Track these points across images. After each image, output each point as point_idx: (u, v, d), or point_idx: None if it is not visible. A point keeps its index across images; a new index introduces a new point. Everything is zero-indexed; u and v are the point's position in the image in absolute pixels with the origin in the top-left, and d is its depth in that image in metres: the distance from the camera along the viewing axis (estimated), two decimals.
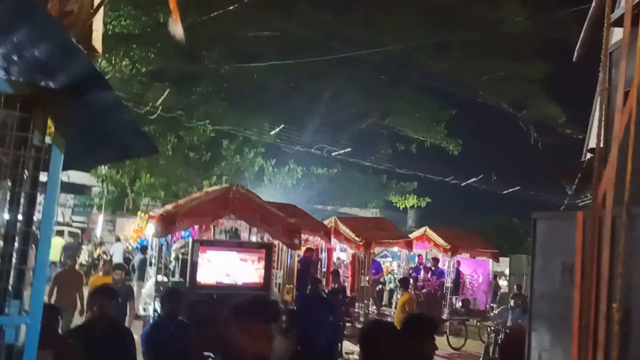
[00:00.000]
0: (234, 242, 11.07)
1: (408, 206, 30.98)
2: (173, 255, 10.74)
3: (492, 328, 12.30)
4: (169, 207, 10.72)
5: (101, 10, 3.28)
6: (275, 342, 6.24)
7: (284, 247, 11.95)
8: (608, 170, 2.97)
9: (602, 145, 3.12)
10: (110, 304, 5.19)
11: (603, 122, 3.07)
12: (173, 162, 23.86)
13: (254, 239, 11.42)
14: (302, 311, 8.67)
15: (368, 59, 24.39)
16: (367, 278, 15.47)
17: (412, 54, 25.29)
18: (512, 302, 12.09)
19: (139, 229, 23.43)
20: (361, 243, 14.99)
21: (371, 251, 15.62)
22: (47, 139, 2.61)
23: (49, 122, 2.60)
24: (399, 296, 15.73)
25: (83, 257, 22.76)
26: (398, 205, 30.73)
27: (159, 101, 20.31)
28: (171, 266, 10.72)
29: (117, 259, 21.69)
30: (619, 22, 3.01)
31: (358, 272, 15.67)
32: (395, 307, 13.84)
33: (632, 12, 2.90)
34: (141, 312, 10.96)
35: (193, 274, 9.55)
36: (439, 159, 30.91)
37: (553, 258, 3.59)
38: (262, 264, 10.08)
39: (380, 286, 18.62)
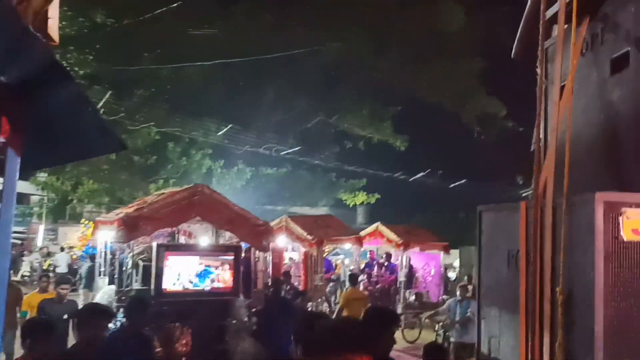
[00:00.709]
0: (201, 246, 10.53)
1: (357, 203, 31.20)
2: (131, 262, 10.04)
3: (442, 323, 12.11)
4: (129, 210, 10.04)
5: None
6: (246, 344, 6.14)
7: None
8: (548, 161, 3.03)
9: (541, 137, 3.17)
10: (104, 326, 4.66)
11: (542, 116, 3.12)
12: (116, 166, 23.19)
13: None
14: (266, 313, 8.50)
15: (310, 58, 24.44)
16: (319, 276, 15.49)
17: (353, 52, 25.46)
18: (458, 294, 11.49)
19: (83, 236, 22.83)
20: (313, 241, 14.95)
21: (323, 249, 15.67)
22: (1, 139, 2.40)
23: (3, 120, 2.38)
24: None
25: (24, 269, 21.99)
26: (348, 203, 30.92)
27: (100, 104, 19.75)
28: (128, 274, 10.04)
29: (62, 269, 21.17)
30: (553, 20, 3.08)
31: (311, 270, 15.55)
32: None
33: (566, 9, 2.96)
34: None
35: (158, 281, 9.06)
36: (386, 156, 31.21)
37: (499, 248, 3.64)
38: (231, 267, 9.71)
39: (331, 284, 18.51)
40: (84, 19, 20.19)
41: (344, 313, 10.96)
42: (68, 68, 19.43)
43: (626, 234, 2.54)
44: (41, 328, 4.72)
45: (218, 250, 10.16)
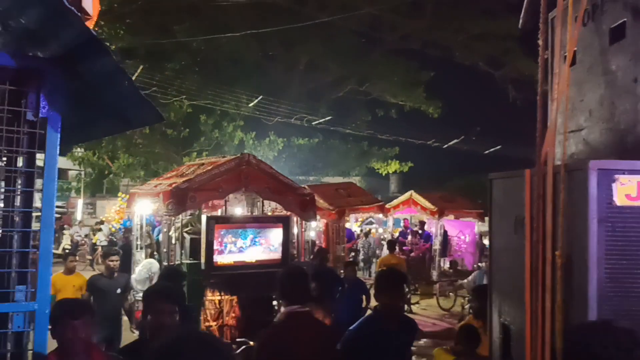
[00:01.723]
0: (250, 217, 10.13)
1: (390, 172, 31.07)
2: (174, 235, 9.76)
3: (468, 298, 11.45)
4: (175, 180, 9.62)
5: None
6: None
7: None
8: (549, 131, 3.08)
9: (540, 106, 3.22)
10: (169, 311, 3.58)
11: (541, 86, 3.17)
12: (150, 140, 23.60)
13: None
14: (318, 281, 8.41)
15: (342, 24, 24.17)
16: (342, 247, 15.08)
17: (386, 15, 25.07)
18: (484, 264, 11.10)
19: (120, 209, 23.41)
20: (334, 211, 14.50)
21: (345, 218, 15.30)
22: (41, 114, 2.44)
23: (42, 96, 2.42)
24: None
25: (65, 242, 22.71)
26: (380, 172, 30.78)
27: (132, 78, 20.05)
28: (175, 246, 9.78)
29: (103, 242, 21.69)
30: None
31: (332, 241, 15.04)
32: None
33: None
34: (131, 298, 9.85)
35: (209, 255, 8.82)
36: (419, 123, 30.89)
37: (507, 214, 3.71)
38: (280, 238, 9.52)
39: (352, 254, 18.26)
40: None
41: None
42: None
43: (619, 200, 2.59)
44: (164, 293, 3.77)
45: (267, 221, 9.95)
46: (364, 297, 9.44)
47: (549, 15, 3.44)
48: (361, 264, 18.45)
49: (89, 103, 2.66)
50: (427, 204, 16.97)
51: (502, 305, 3.83)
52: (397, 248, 15.70)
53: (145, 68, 21.05)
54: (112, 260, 8.38)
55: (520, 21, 3.79)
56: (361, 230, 22.12)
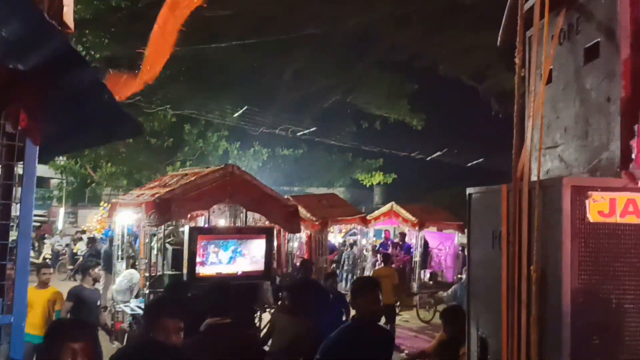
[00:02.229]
0: (234, 228, 10.18)
1: (374, 183, 31.21)
2: (156, 245, 9.77)
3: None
4: (157, 190, 9.61)
5: None
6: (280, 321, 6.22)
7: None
8: (525, 147, 3.15)
9: (516, 123, 3.30)
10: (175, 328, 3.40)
11: (517, 103, 3.25)
12: (134, 149, 23.48)
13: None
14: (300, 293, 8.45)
15: (327, 35, 24.30)
16: (324, 258, 14.99)
17: (372, 29, 25.23)
18: (465, 277, 10.48)
19: (102, 219, 23.27)
20: (317, 222, 14.43)
21: (329, 229, 15.30)
22: (20, 127, 2.45)
23: (21, 108, 2.43)
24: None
25: (46, 252, 22.49)
26: (364, 183, 30.93)
27: None
28: (157, 257, 9.79)
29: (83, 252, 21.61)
30: (531, 12, 3.19)
31: (315, 252, 14.90)
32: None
33: (541, 2, 3.06)
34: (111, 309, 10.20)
35: (192, 266, 8.74)
36: (403, 135, 31.01)
37: (485, 228, 3.76)
38: (263, 250, 9.47)
39: (333, 265, 18.08)
40: (100, 2, 20.33)
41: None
42: (84, 52, 19.73)
43: (592, 216, 2.65)
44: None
45: (251, 232, 9.89)
46: (343, 310, 9.47)
47: (526, 34, 3.52)
48: (344, 275, 18.44)
49: (68, 116, 2.67)
50: (408, 216, 17.03)
51: (480, 318, 3.88)
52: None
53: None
54: (95, 272, 8.56)
55: (499, 39, 3.87)
56: (345, 242, 22.14)
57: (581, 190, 2.61)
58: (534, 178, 3.07)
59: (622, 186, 2.67)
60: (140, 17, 21.62)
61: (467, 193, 4.09)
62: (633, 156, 2.70)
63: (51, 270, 8.17)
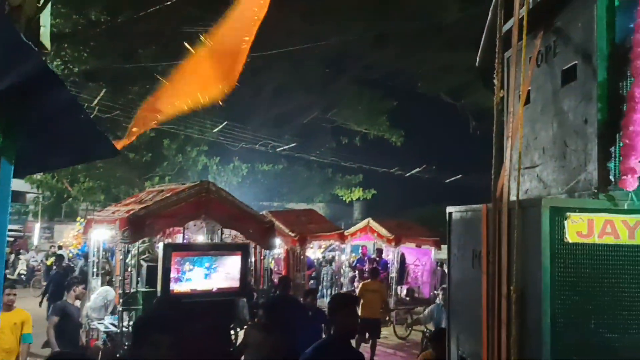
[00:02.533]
0: (209, 245, 10.11)
1: (354, 199, 31.28)
2: (132, 262, 9.72)
3: (426, 333, 10.71)
4: (132, 207, 9.60)
5: (49, 4, 2.97)
6: (254, 337, 6.26)
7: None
8: (504, 167, 3.19)
9: (496, 142, 3.33)
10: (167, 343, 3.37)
11: (497, 125, 3.29)
12: (112, 164, 23.20)
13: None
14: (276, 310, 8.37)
15: (308, 52, 24.43)
16: (302, 274, 15.06)
17: (352, 46, 25.45)
18: (439, 298, 10.08)
19: (78, 234, 22.93)
20: (296, 238, 14.45)
21: (309, 246, 15.34)
22: None
23: None
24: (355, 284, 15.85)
25: (21, 267, 22.12)
26: (344, 199, 30.97)
27: (95, 102, 19.85)
28: (131, 274, 9.76)
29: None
30: (510, 33, 3.24)
31: (293, 268, 15.00)
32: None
33: (519, 23, 3.11)
34: (85, 326, 10.00)
35: (166, 283, 8.66)
36: (382, 151, 31.27)
37: (465, 247, 3.78)
38: (239, 266, 9.42)
39: (312, 282, 18.11)
40: (79, 16, 20.23)
41: (362, 302, 11.68)
42: (62, 65, 19.58)
43: (571, 237, 2.68)
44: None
45: (226, 249, 9.84)
46: (323, 326, 9.44)
47: (504, 55, 3.58)
48: (325, 291, 18.38)
49: (43, 136, 2.66)
50: (384, 232, 17.05)
51: (460, 337, 3.89)
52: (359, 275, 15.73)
53: (109, 91, 20.85)
54: (79, 288, 8.58)
55: (478, 59, 3.93)
56: (324, 257, 22.10)
57: (560, 211, 2.64)
58: (513, 198, 3.10)
59: (600, 207, 2.71)
60: (119, 32, 21.59)
61: (447, 212, 4.11)
62: (611, 177, 2.74)
63: (15, 291, 7.63)
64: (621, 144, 2.69)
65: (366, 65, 28.08)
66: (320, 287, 18.14)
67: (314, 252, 22.59)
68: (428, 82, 28.57)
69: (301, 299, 11.01)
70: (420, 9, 25.10)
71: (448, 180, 34.76)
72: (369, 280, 13.00)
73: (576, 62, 3.00)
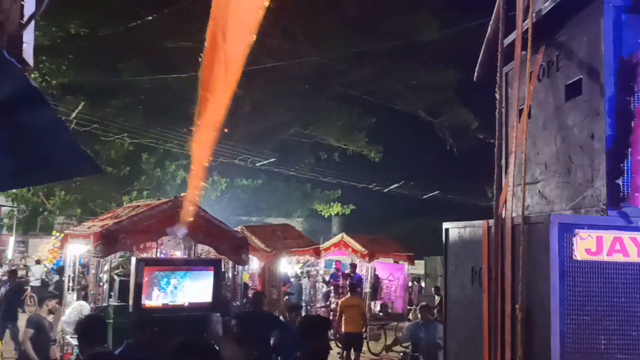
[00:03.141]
0: (181, 260, 10.22)
1: (332, 214, 31.26)
2: (105, 277, 9.72)
3: (403, 353, 10.18)
4: (101, 222, 9.74)
5: (32, 21, 2.95)
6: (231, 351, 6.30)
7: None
8: (506, 182, 3.14)
9: (497, 159, 3.29)
10: None
11: (498, 139, 3.25)
12: (89, 178, 22.86)
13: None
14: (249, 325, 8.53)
15: (287, 69, 24.49)
16: (277, 290, 14.92)
17: (331, 63, 25.59)
18: (420, 317, 9.32)
19: (54, 249, 22.47)
20: (271, 253, 14.27)
21: (286, 261, 15.37)
22: None
23: None
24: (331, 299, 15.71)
25: None
26: (323, 214, 30.96)
27: (73, 115, 19.54)
28: (104, 288, 9.75)
29: (37, 282, 21.13)
30: (512, 46, 3.21)
31: (268, 283, 14.80)
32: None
33: (522, 37, 3.08)
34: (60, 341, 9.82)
35: (137, 297, 8.70)
36: (361, 167, 31.36)
37: (464, 264, 3.72)
38: (211, 282, 9.44)
39: (286, 297, 17.49)
40: (57, 29, 20.01)
41: (344, 317, 12.03)
42: (40, 78, 19.30)
43: (580, 254, 2.64)
44: None
45: (198, 264, 9.91)
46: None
47: (503, 70, 3.55)
48: (304, 306, 18.15)
49: (25, 152, 2.63)
50: (358, 247, 16.96)
51: (459, 355, 3.81)
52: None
53: (88, 104, 20.57)
54: (52, 302, 8.62)
55: (475, 74, 3.90)
56: (302, 273, 21.88)
57: (568, 228, 2.59)
58: (513, 214, 3.05)
59: (609, 224, 2.67)
60: (99, 46, 21.38)
61: (444, 227, 4.06)
62: (621, 194, 2.70)
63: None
64: (630, 160, 2.66)
65: (345, 83, 28.26)
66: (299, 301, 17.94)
67: (292, 267, 22.43)
68: (406, 100, 28.84)
69: (285, 314, 10.97)
70: (399, 28, 25.41)
71: (426, 196, 35.00)
72: (348, 295, 13.05)
73: (581, 76, 2.98)
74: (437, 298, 17.58)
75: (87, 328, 4.86)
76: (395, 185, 33.24)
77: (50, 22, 18.97)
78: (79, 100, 20.75)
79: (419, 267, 22.33)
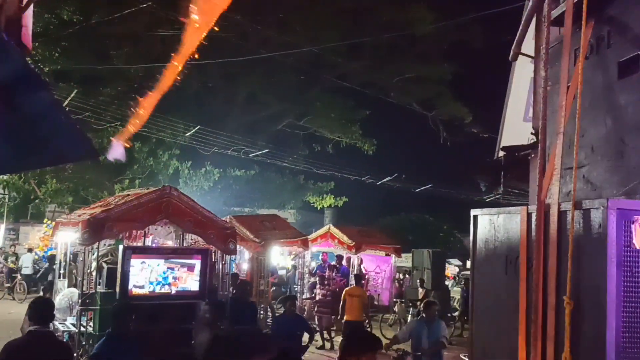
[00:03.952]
0: (168, 248, 10.38)
1: (325, 206, 31.21)
2: (94, 264, 9.84)
3: (401, 352, 8.49)
4: (92, 211, 9.78)
5: (31, 5, 2.99)
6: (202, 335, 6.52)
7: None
8: (552, 165, 2.99)
9: (542, 140, 3.14)
10: None
11: (543, 119, 3.10)
12: (81, 166, 22.56)
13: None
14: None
15: (282, 60, 24.33)
16: (266, 281, 14.95)
17: (326, 55, 25.50)
18: (423, 314, 8.50)
19: (45, 236, 22.20)
20: (260, 244, 14.18)
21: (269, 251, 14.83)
22: None
23: None
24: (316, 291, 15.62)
25: None
26: (316, 206, 30.91)
27: (65, 103, 19.24)
28: (92, 276, 9.85)
29: (28, 270, 20.97)
30: (557, 21, 3.05)
31: (257, 275, 14.80)
32: None
33: (573, 10, 2.94)
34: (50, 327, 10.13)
35: (124, 284, 8.84)
36: (354, 159, 31.45)
37: (495, 253, 3.59)
38: (199, 270, 9.57)
39: (274, 288, 17.77)
40: (50, 15, 19.69)
41: (346, 306, 12.40)
42: (33, 64, 18.98)
43: (638, 242, 2.50)
44: None
45: (186, 253, 10.05)
46: (305, 333, 9.35)
47: (540, 47, 3.41)
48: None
49: (22, 135, 2.60)
50: (345, 239, 16.99)
51: (487, 348, 3.69)
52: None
53: (80, 92, 20.30)
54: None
55: (512, 52, 3.75)
56: (293, 266, 21.77)
57: (627, 214, 2.47)
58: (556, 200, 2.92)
59: None
60: (92, 33, 21.05)
61: (471, 215, 3.93)
62: None
63: None
64: None
65: (340, 75, 28.20)
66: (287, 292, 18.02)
67: (284, 258, 22.33)
68: (400, 93, 28.84)
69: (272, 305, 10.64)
70: (394, 21, 25.34)
71: (418, 190, 35.07)
72: (353, 285, 13.48)
73: (638, 52, 2.84)
74: (420, 291, 17.59)
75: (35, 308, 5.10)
76: (388, 178, 33.29)
77: (44, 9, 18.66)
78: (71, 87, 20.45)
79: (408, 260, 22.29)
